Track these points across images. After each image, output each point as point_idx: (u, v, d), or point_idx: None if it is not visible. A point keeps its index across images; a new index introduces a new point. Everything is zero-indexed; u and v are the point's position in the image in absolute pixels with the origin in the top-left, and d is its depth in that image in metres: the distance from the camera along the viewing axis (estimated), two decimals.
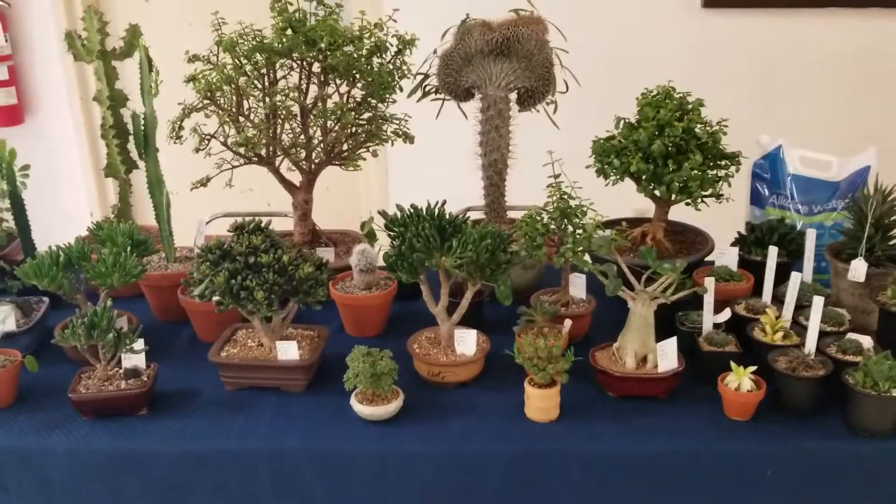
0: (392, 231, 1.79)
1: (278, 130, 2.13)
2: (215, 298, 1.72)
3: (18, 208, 2.04)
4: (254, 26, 2.06)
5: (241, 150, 2.09)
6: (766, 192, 2.27)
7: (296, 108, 2.16)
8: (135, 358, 1.77)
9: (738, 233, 2.26)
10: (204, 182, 2.16)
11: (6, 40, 4.21)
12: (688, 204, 2.10)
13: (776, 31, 3.65)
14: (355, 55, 2.03)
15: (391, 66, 2.09)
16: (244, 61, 2.07)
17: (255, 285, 1.69)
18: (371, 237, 2.29)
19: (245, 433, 1.69)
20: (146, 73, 2.02)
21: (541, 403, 1.67)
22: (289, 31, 2.05)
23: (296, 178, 2.24)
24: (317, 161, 2.17)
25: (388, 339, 2.03)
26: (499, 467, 1.63)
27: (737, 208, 2.28)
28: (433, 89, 2.19)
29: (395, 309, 2.13)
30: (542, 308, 1.84)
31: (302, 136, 2.16)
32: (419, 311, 1.99)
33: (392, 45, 2.09)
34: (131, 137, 2.21)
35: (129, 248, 1.89)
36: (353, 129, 2.11)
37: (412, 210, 1.78)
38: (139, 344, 1.74)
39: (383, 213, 1.82)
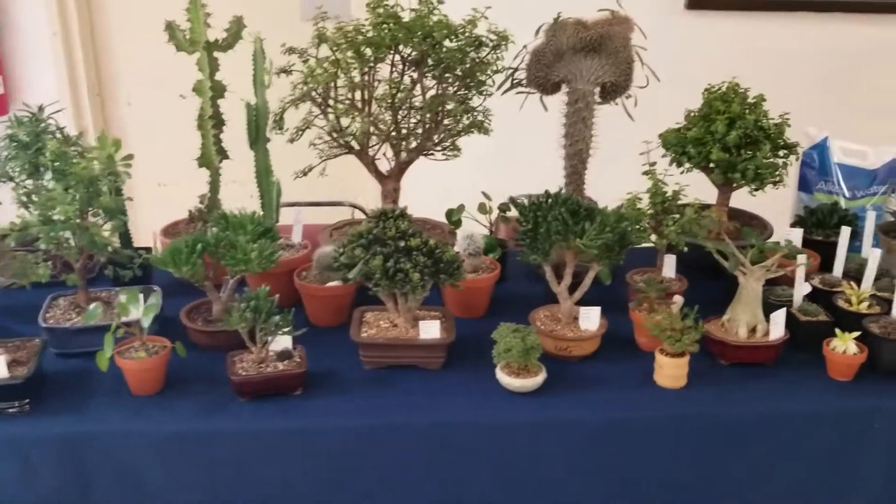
0: (524, 216, 1.91)
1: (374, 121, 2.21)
2: (372, 280, 1.80)
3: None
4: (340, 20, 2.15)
5: (351, 139, 2.16)
6: (815, 179, 2.50)
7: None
8: (282, 340, 1.83)
9: (797, 215, 2.49)
10: (306, 171, 2.22)
11: None
12: (756, 190, 2.30)
13: (758, 33, 3.91)
14: (460, 49, 2.13)
15: (489, 61, 2.20)
16: (349, 55, 2.13)
17: (409, 267, 1.78)
18: (457, 225, 2.40)
19: (400, 408, 1.79)
20: (260, 65, 2.07)
21: (673, 371, 1.83)
22: (390, 25, 2.13)
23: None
24: (409, 150, 2.26)
25: (493, 319, 2.14)
26: (642, 432, 1.78)
27: (772, 193, 2.48)
28: (519, 83, 2.32)
29: None
30: (655, 286, 2.00)
31: (393, 127, 2.24)
32: (506, 295, 2.21)
33: (492, 41, 2.19)
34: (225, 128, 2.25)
35: (260, 236, 1.94)
36: (449, 119, 2.21)
37: (546, 197, 1.91)
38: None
39: (512, 200, 1.94)
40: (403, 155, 2.27)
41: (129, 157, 2.04)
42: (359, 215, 2.92)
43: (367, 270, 1.80)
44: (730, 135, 2.24)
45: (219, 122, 2.23)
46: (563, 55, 2.24)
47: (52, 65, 4.21)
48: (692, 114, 2.37)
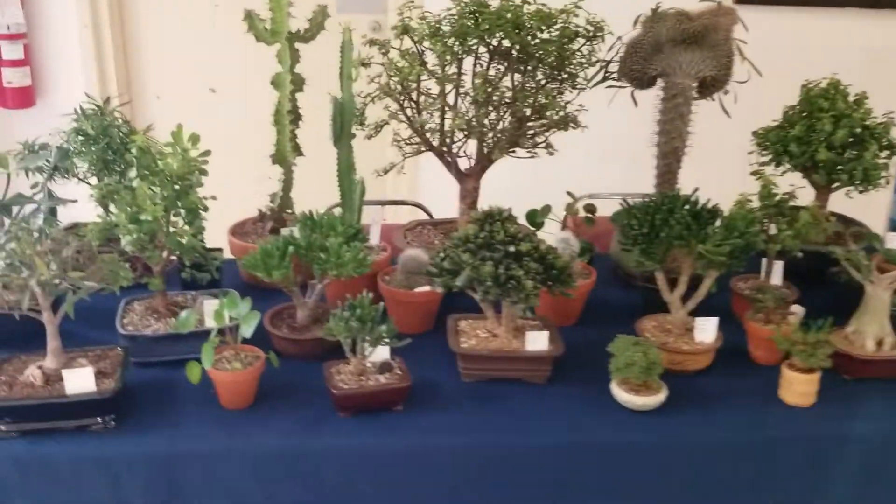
0: (638, 219, 1.78)
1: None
2: (481, 287, 1.67)
3: None
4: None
5: (436, 136, 2.03)
6: None
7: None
8: (380, 350, 1.70)
9: (892, 219, 2.36)
10: (387, 169, 2.10)
11: (22, 17, 3.93)
12: (862, 192, 2.17)
13: (808, 28, 3.79)
14: (554, 40, 2.00)
15: (583, 53, 2.07)
16: (434, 46, 2.00)
17: (521, 274, 1.65)
18: (539, 227, 2.27)
19: (510, 426, 1.66)
20: (348, 58, 1.93)
21: (804, 388, 1.71)
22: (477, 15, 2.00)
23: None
24: (496, 147, 2.13)
25: (584, 328, 2.02)
26: (774, 452, 1.66)
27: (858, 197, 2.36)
28: (611, 76, 2.19)
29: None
30: (773, 294, 1.88)
31: (480, 122, 2.11)
32: (596, 302, 2.07)
33: (587, 31, 2.06)
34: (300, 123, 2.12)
35: (349, 238, 1.81)
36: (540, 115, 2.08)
37: (665, 198, 1.78)
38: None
39: (625, 202, 1.81)
40: (485, 152, 2.13)
41: (207, 153, 1.90)
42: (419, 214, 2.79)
43: (475, 277, 1.67)
44: (836, 133, 2.11)
45: (296, 116, 2.09)
46: (662, 47, 2.11)
47: (82, 57, 4.07)
48: (790, 111, 2.24)
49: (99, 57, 4.09)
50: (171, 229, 1.73)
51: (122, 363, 1.64)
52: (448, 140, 2.13)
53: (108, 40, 4.07)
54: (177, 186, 1.74)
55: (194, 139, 1.87)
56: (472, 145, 2.16)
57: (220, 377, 1.62)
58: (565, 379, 1.80)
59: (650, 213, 1.77)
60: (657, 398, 1.68)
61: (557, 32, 2.03)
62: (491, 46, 2.05)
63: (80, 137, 2.01)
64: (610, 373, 1.71)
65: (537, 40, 2.00)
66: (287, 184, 2.17)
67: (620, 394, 1.69)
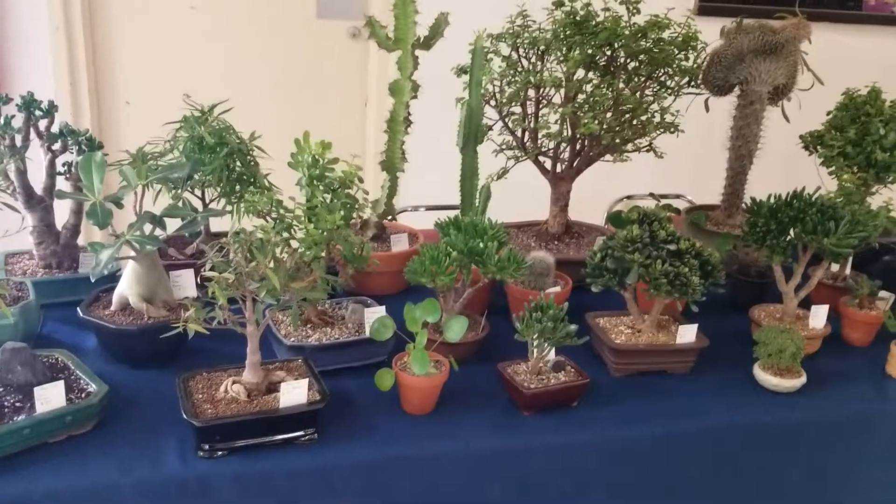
0: (765, 216, 1.93)
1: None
2: (653, 284, 1.77)
3: None
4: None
5: (548, 140, 2.12)
6: None
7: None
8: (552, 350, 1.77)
9: None
10: (500, 174, 2.15)
11: None
12: None
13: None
14: (659, 49, 2.13)
15: (680, 60, 2.20)
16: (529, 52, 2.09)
17: (687, 271, 1.76)
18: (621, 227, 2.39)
19: (670, 415, 1.76)
20: (479, 63, 1.98)
21: None
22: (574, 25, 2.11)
23: None
24: (596, 151, 2.23)
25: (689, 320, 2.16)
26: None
27: None
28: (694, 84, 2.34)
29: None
30: (867, 284, 2.08)
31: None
32: None
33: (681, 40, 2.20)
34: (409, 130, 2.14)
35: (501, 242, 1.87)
36: (640, 119, 2.20)
37: (793, 196, 1.94)
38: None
39: (753, 200, 1.96)
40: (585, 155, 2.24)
41: (335, 160, 1.89)
42: None
43: (646, 274, 1.76)
44: (888, 136, 2.35)
45: (409, 123, 2.11)
46: (745, 57, 2.28)
47: (52, 61, 3.85)
48: (837, 116, 2.46)
49: (71, 61, 3.89)
50: (346, 238, 1.72)
51: (312, 374, 1.63)
52: (548, 144, 2.22)
53: (81, 44, 3.88)
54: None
55: (325, 146, 1.87)
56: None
57: (412, 383, 1.64)
58: (701, 368, 1.92)
59: (775, 211, 1.92)
60: (801, 380, 1.83)
61: (652, 42, 2.16)
62: (592, 55, 2.15)
63: (198, 146, 1.94)
64: (753, 358, 1.84)
65: (639, 48, 2.12)
66: (391, 191, 2.19)
67: (768, 378, 1.83)
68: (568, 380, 1.73)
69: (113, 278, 1.82)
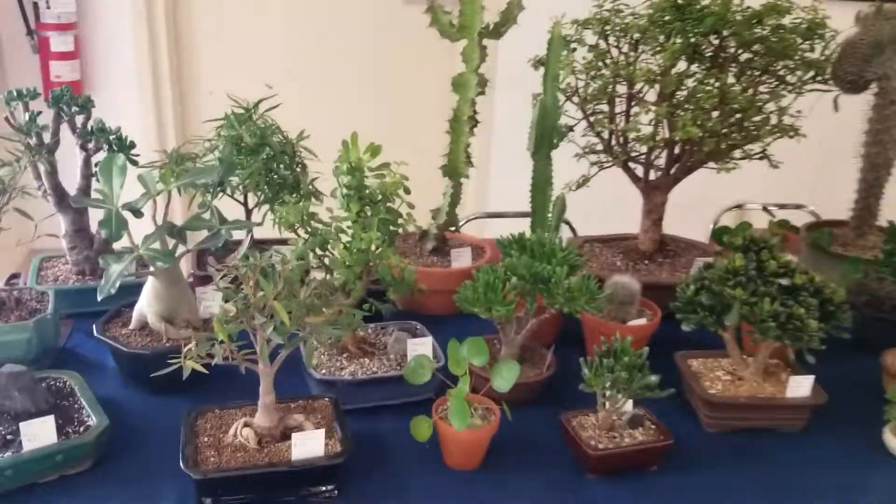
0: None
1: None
2: (758, 327, 1.43)
3: None
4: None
5: (639, 144, 1.80)
6: None
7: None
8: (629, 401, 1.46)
9: None
10: (580, 182, 1.86)
11: (74, 5, 3.62)
12: None
13: None
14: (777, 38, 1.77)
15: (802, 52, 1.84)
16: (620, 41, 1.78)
17: (803, 312, 1.42)
18: (730, 247, 2.04)
19: (778, 485, 1.43)
20: (556, 55, 1.69)
21: None
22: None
23: None
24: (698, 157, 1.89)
25: None
26: None
27: None
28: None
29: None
30: None
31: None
32: None
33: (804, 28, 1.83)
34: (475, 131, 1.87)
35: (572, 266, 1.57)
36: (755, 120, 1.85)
37: None
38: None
39: (892, 224, 1.59)
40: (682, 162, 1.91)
41: (385, 165, 1.63)
42: None
43: (750, 314, 1.43)
44: None
45: (474, 123, 1.84)
46: (884, 48, 1.89)
47: (134, 49, 3.77)
48: None
49: (152, 50, 3.80)
50: (382, 258, 1.47)
51: (336, 417, 1.39)
52: (640, 148, 1.90)
53: (163, 31, 3.78)
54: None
55: (374, 150, 1.61)
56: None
57: (455, 436, 1.37)
58: (817, 428, 1.57)
59: None
60: None
61: (769, 29, 1.81)
62: (695, 44, 1.82)
63: (238, 148, 1.74)
64: (884, 420, 1.49)
65: (753, 36, 1.77)
66: (454, 198, 1.92)
67: None
68: (646, 439, 1.42)
69: (139, 290, 1.64)
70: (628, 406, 1.46)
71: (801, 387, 1.53)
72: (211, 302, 1.62)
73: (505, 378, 1.36)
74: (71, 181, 1.84)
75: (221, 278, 1.26)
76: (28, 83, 3.53)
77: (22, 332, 1.58)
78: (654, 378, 1.37)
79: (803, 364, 1.56)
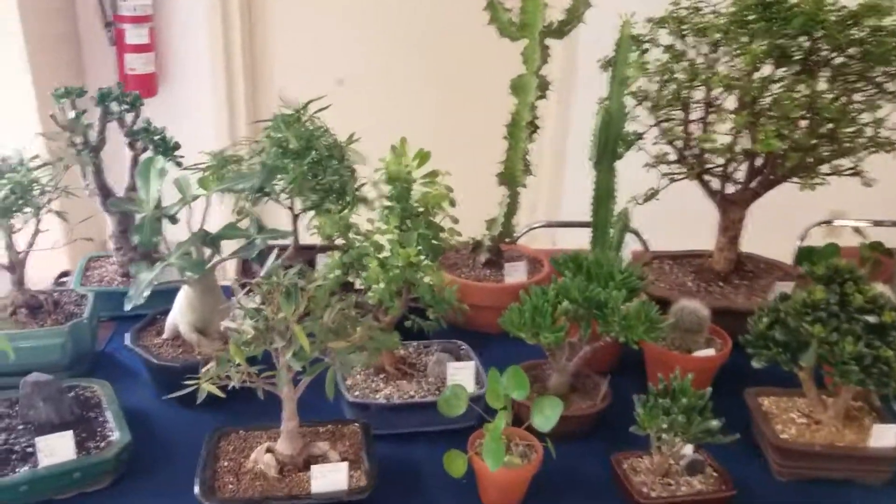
0: None
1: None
2: (838, 370, 1.27)
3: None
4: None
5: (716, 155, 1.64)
6: None
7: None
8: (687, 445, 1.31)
9: None
10: (649, 196, 1.71)
11: None
12: None
13: None
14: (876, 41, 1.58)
15: None
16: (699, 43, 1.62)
17: (892, 355, 1.24)
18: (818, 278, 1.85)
19: None
20: (625, 57, 1.54)
21: None
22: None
23: None
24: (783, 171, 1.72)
25: None
26: None
27: None
28: None
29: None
30: None
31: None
32: None
33: None
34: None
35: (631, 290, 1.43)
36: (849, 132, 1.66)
37: None
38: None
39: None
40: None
41: (433, 174, 1.51)
42: None
43: (829, 355, 1.27)
44: None
45: (534, 128, 1.71)
46: None
47: (208, 43, 3.77)
48: None
49: (226, 44, 3.79)
50: (422, 275, 1.36)
51: (365, 446, 1.29)
52: (716, 160, 1.74)
53: (237, 25, 3.76)
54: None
55: (423, 157, 1.50)
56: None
57: (491, 475, 1.25)
58: None
59: None
60: None
61: (868, 31, 1.62)
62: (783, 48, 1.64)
63: (281, 151, 1.66)
64: None
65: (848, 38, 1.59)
66: (511, 208, 1.80)
67: None
68: (705, 488, 1.28)
69: (173, 296, 1.58)
70: (687, 450, 1.31)
71: (886, 436, 1.35)
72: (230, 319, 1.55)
73: (547, 416, 1.23)
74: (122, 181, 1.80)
75: (246, 293, 1.18)
76: (104, 76, 3.58)
77: (56, 336, 1.54)
78: (715, 423, 1.22)
79: (890, 410, 1.38)
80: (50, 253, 1.60)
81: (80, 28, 3.66)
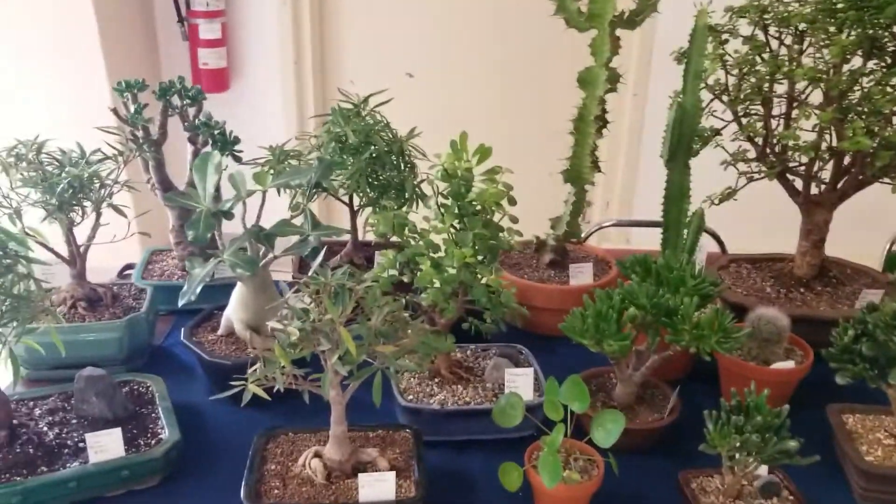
0: None
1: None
2: None
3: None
4: None
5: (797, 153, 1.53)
6: None
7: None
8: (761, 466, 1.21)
9: None
10: (725, 196, 1.61)
11: None
12: None
13: None
14: None
15: None
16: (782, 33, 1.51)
17: None
18: None
19: None
20: (700, 49, 1.45)
21: None
22: None
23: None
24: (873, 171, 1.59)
25: None
26: None
27: None
28: None
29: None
30: None
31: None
32: None
33: None
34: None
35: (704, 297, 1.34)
36: None
37: None
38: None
39: None
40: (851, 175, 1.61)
41: (493, 171, 1.44)
42: None
43: None
44: None
45: (603, 124, 1.63)
46: None
47: (279, 38, 3.78)
48: None
49: (296, 38, 3.79)
50: (479, 277, 1.30)
51: (415, 455, 1.24)
52: (800, 158, 1.63)
53: (307, 17, 3.76)
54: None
55: (484, 153, 1.43)
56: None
57: (548, 491, 1.18)
58: None
59: None
60: None
61: None
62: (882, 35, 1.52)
63: (339, 145, 1.62)
64: None
65: None
66: (577, 206, 1.72)
67: None
68: None
69: (230, 292, 1.56)
70: (762, 470, 1.22)
71: None
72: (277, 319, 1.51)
73: (608, 431, 1.16)
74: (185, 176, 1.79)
75: (295, 292, 1.14)
76: (178, 70, 3.62)
77: (113, 331, 1.53)
78: (793, 443, 1.12)
79: None
80: (119, 245, 1.60)
81: (157, 24, 3.72)
